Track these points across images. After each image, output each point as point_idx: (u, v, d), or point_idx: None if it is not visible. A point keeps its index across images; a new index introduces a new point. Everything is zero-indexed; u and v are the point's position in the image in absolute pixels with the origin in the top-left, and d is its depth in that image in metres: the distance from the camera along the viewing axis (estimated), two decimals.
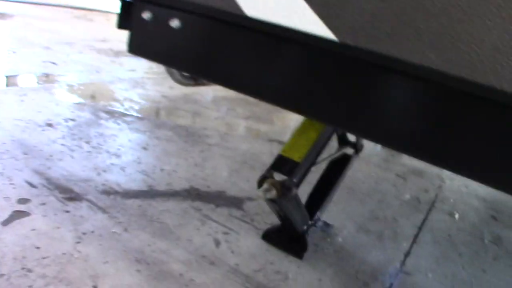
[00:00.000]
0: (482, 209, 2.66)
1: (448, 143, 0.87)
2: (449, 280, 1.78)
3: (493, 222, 2.51)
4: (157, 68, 4.26)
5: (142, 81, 3.72)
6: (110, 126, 2.55)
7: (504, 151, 0.83)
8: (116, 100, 3.04)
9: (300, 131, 1.51)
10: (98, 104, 2.87)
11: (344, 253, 1.79)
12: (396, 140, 0.88)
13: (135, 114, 2.85)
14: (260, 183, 1.42)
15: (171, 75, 1.48)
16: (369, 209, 2.26)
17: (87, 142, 2.25)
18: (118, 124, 2.60)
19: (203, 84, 1.78)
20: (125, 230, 1.60)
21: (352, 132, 1.01)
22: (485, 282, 1.85)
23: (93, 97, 2.98)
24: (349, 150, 1.98)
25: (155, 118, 2.88)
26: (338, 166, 1.94)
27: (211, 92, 3.79)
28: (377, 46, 0.78)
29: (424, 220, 2.30)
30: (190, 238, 1.64)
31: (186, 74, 1.51)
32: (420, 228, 2.18)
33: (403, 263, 1.83)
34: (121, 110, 2.85)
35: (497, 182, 0.85)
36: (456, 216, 2.46)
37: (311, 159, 1.47)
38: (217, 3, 0.93)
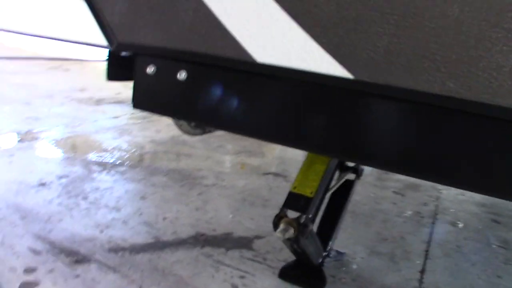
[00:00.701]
0: (482, 214, 2.69)
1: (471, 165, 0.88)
2: None
3: (496, 226, 2.53)
4: (140, 113, 4.25)
5: (127, 127, 3.69)
6: (104, 178, 2.51)
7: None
8: (105, 150, 3.01)
9: (307, 166, 1.51)
10: (88, 157, 2.83)
11: (361, 280, 1.78)
12: (418, 169, 0.89)
13: (127, 163, 2.81)
14: (276, 224, 1.41)
15: (180, 126, 1.47)
16: (375, 231, 2.26)
17: (84, 199, 2.21)
18: (112, 175, 2.57)
19: (210, 132, 1.78)
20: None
21: (375, 166, 1.01)
22: (502, 286, 1.85)
23: (81, 150, 2.95)
24: (351, 176, 1.99)
25: (147, 165, 2.85)
26: (342, 193, 1.94)
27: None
28: (394, 80, 0.79)
29: (431, 234, 2.30)
30: (207, 287, 1.60)
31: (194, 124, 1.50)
32: (428, 243, 2.19)
33: (421, 281, 1.82)
34: (112, 160, 2.82)
35: None
36: (460, 225, 2.47)
37: (322, 192, 1.47)
38: (226, 52, 0.93)
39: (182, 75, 1.05)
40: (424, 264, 1.98)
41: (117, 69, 1.68)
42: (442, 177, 0.90)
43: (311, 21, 0.83)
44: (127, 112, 4.18)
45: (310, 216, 1.40)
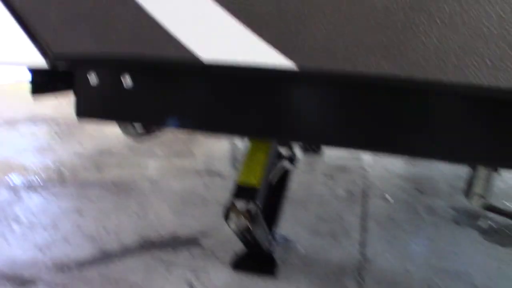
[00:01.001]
0: (407, 186, 2.90)
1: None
2: (406, 256, 1.93)
3: (420, 195, 2.74)
4: (57, 127, 4.08)
5: (48, 144, 3.53)
6: (34, 199, 2.40)
7: None
8: (29, 171, 2.86)
9: (249, 157, 1.56)
10: (11, 180, 2.68)
11: (308, 259, 1.86)
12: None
13: (54, 180, 2.70)
14: (226, 215, 1.44)
15: (124, 129, 1.46)
16: (314, 213, 2.37)
17: (18, 222, 2.10)
18: (41, 195, 2.46)
19: (154, 133, 1.77)
20: None
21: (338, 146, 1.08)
22: (435, 248, 2.02)
23: (3, 173, 2.78)
24: (286, 164, 2.06)
25: (77, 179, 2.75)
26: (280, 180, 2.01)
27: (123, 138, 3.70)
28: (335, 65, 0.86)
29: (364, 210, 2.45)
30: None
31: (137, 126, 1.49)
32: (364, 218, 2.33)
33: (362, 253, 1.95)
34: (39, 179, 2.69)
35: None
36: (389, 198, 2.65)
37: (266, 180, 1.53)
38: (170, 53, 0.95)
39: (126, 80, 1.05)
40: (363, 237, 2.11)
41: (41, 82, 1.63)
42: (377, 146, 0.99)
43: (252, 16, 0.88)
44: (44, 129, 4.00)
45: (258, 203, 1.45)
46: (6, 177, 2.72)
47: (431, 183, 2.93)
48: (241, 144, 3.30)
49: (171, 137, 3.77)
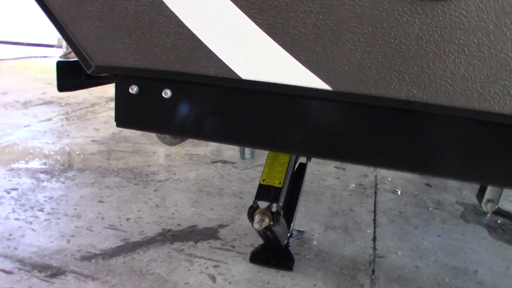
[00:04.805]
0: (415, 179, 2.97)
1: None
2: (416, 252, 2.01)
3: (429, 189, 2.81)
4: (73, 112, 4.15)
5: (64, 129, 3.60)
6: (56, 186, 2.48)
7: None
8: (48, 156, 2.94)
9: (272, 158, 1.62)
10: (31, 165, 2.76)
11: (323, 254, 1.94)
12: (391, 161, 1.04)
13: (74, 166, 2.78)
14: (251, 216, 1.52)
15: (162, 139, 1.52)
16: (326, 207, 2.44)
17: (41, 210, 2.18)
18: (63, 182, 2.54)
19: (186, 139, 1.83)
20: None
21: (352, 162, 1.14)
22: (443, 245, 2.10)
23: (23, 159, 2.86)
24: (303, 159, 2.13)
25: (95, 166, 2.83)
26: (296, 175, 2.08)
27: None
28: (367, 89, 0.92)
29: (375, 203, 2.53)
30: (186, 281, 1.69)
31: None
32: (374, 212, 2.41)
33: (374, 248, 2.03)
34: (58, 166, 2.77)
35: None
36: (399, 192, 2.72)
37: (288, 180, 1.60)
38: (211, 71, 1.01)
39: (167, 94, 1.11)
40: (374, 232, 2.19)
41: (67, 79, 1.68)
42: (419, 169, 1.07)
43: (291, 40, 0.94)
44: (60, 113, 4.07)
45: (281, 204, 1.52)
46: (27, 163, 2.80)
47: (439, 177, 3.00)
48: None
49: None
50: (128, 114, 1.18)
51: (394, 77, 0.96)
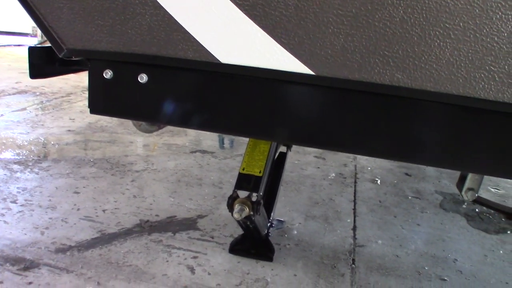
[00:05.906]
0: (395, 169, 2.98)
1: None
2: (396, 241, 2.01)
3: (408, 178, 2.82)
4: (48, 102, 4.05)
5: (38, 119, 3.50)
6: (29, 177, 2.40)
7: None
8: (21, 147, 2.85)
9: (252, 147, 1.59)
10: (4, 156, 2.67)
11: (303, 244, 1.93)
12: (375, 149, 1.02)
13: (48, 157, 2.71)
14: (231, 206, 1.48)
15: (138, 126, 1.47)
16: (306, 196, 2.43)
17: (14, 202, 2.11)
18: (37, 173, 2.46)
19: (163, 127, 1.78)
20: (99, 284, 1.57)
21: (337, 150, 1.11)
22: (423, 234, 2.11)
23: None
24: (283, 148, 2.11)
25: (71, 156, 2.76)
26: (277, 164, 2.05)
27: None
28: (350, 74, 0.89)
29: (355, 193, 2.52)
30: (164, 273, 1.65)
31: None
32: (354, 202, 2.40)
33: (354, 237, 2.02)
34: (32, 156, 2.69)
35: None
36: (378, 181, 2.72)
37: (268, 169, 1.57)
38: (189, 54, 0.97)
39: (143, 79, 1.06)
40: (354, 221, 2.18)
41: (40, 65, 1.61)
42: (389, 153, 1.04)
43: (272, 22, 0.90)
44: (35, 102, 3.96)
45: (261, 193, 1.50)
46: None
47: (419, 167, 3.01)
48: None
49: None
50: (102, 100, 1.13)
51: (378, 61, 0.93)
